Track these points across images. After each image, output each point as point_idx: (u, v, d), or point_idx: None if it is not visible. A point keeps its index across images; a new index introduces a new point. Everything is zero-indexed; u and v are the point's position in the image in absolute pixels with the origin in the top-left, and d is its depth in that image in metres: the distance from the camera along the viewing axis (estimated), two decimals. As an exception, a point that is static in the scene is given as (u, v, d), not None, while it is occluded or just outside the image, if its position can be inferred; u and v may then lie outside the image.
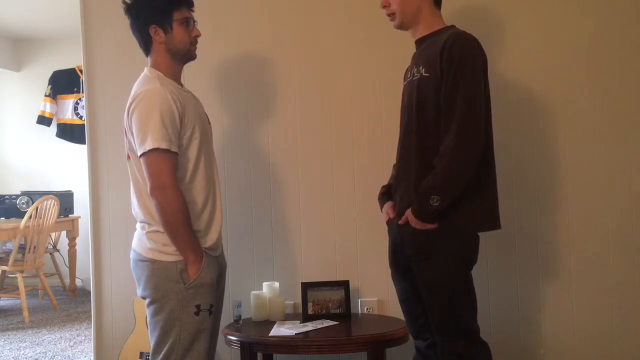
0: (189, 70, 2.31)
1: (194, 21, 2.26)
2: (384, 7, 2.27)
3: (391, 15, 2.27)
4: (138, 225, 2.20)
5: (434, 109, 2.12)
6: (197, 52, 2.29)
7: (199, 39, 2.27)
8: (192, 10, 2.27)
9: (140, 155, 2.07)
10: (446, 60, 2.07)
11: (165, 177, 2.05)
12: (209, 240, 2.18)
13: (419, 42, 2.28)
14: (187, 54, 2.24)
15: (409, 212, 2.14)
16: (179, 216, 2.06)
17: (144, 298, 2.17)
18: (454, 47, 2.07)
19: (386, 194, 2.41)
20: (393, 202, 2.33)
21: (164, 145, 2.04)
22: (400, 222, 2.20)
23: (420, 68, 2.17)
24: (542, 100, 2.85)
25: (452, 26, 2.23)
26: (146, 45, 2.23)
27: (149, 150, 2.04)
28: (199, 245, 2.12)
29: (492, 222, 2.20)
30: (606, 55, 2.82)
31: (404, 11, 2.23)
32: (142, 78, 2.19)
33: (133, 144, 2.13)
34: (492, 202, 2.19)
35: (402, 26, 2.28)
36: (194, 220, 2.13)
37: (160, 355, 2.10)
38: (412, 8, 2.22)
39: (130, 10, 2.23)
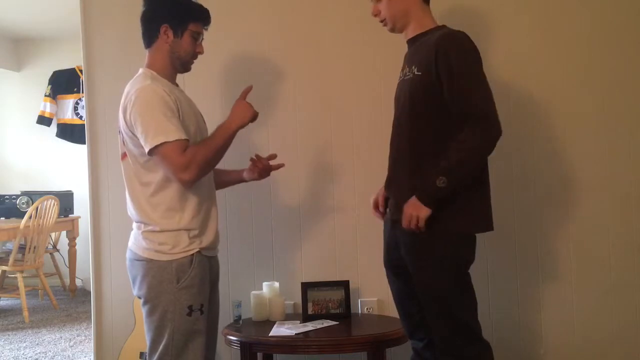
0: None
1: (202, 38, 2.26)
2: (375, 15, 2.31)
3: (383, 21, 2.31)
4: (134, 224, 2.19)
5: (426, 107, 2.13)
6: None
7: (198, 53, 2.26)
8: (206, 29, 2.26)
9: (151, 152, 2.03)
10: (445, 64, 2.07)
11: (182, 158, 2.02)
12: (205, 240, 2.16)
13: (410, 42, 2.29)
14: (184, 64, 2.24)
15: (409, 202, 2.12)
16: (207, 169, 2.13)
17: (139, 297, 2.16)
18: (451, 50, 2.08)
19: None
20: (388, 202, 2.33)
21: (171, 138, 2.01)
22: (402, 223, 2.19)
23: (413, 67, 2.18)
24: (541, 100, 2.85)
25: (443, 26, 2.24)
26: (150, 39, 2.20)
27: (161, 144, 2.00)
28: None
29: (485, 223, 2.20)
30: (606, 55, 2.82)
31: (394, 16, 2.26)
32: (135, 78, 2.18)
33: (129, 142, 2.11)
34: (486, 203, 2.18)
35: (395, 30, 2.31)
36: (191, 218, 2.12)
37: (156, 356, 2.10)
38: (400, 11, 2.24)
39: None
